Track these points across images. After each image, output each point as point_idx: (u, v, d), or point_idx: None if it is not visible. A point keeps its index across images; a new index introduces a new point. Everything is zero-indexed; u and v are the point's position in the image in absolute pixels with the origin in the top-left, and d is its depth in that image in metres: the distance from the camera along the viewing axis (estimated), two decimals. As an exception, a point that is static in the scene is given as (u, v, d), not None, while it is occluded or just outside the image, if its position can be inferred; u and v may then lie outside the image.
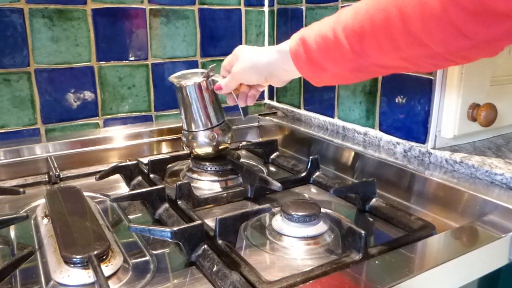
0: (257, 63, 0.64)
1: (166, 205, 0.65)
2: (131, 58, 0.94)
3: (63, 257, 0.48)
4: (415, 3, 0.43)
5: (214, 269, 0.48)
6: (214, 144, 0.77)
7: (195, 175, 0.77)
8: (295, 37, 0.57)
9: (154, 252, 0.54)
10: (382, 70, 0.54)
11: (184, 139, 0.79)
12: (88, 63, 0.90)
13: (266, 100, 1.15)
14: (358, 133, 0.87)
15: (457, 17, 0.41)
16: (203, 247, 0.52)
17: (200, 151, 0.77)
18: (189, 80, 0.76)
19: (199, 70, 0.80)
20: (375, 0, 0.48)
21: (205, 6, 1.00)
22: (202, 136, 0.76)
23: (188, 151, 0.79)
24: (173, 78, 0.78)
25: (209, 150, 0.77)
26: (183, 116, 0.78)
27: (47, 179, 0.77)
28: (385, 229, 0.61)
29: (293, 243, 0.56)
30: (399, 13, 0.45)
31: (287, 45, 0.58)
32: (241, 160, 0.81)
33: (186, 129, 0.78)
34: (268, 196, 0.72)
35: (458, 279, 0.49)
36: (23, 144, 0.82)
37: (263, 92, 1.14)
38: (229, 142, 0.79)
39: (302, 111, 1.03)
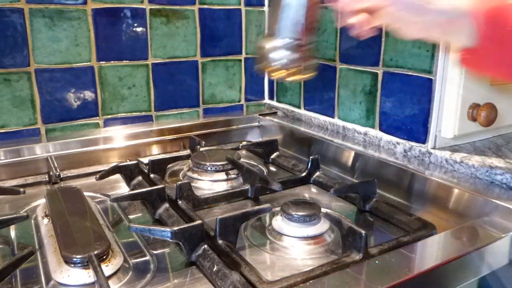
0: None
1: (166, 205, 0.65)
2: (131, 58, 0.94)
3: (63, 257, 0.48)
4: None
5: (214, 269, 0.48)
6: (296, 64, 0.60)
7: (195, 175, 0.77)
8: None
9: (154, 252, 0.54)
10: None
11: (261, 45, 0.62)
12: (88, 63, 0.90)
13: (266, 100, 1.15)
14: (358, 133, 0.87)
15: None
16: (203, 247, 0.52)
17: (276, 63, 0.60)
18: None
19: None
20: None
21: (205, 6, 1.00)
22: (286, 49, 0.59)
23: (258, 66, 0.63)
24: None
25: (286, 66, 0.60)
26: (272, 19, 0.62)
27: (47, 179, 0.77)
28: (385, 229, 0.61)
29: (293, 243, 0.56)
30: None
31: None
32: (241, 160, 0.81)
33: (269, 34, 0.61)
34: (268, 196, 0.72)
35: (458, 279, 0.49)
36: (23, 144, 0.82)
37: (263, 92, 1.14)
38: (311, 72, 0.62)
39: (302, 111, 1.03)
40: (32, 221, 0.62)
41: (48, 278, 0.48)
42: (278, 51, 0.60)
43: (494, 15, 0.46)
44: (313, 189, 0.75)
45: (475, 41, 0.47)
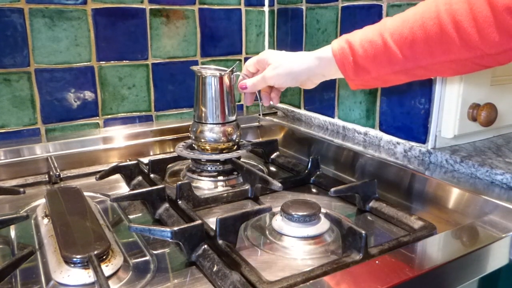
0: (295, 70, 0.65)
1: (166, 205, 0.65)
2: (131, 58, 0.94)
3: (63, 257, 0.48)
4: (466, 11, 0.47)
5: (214, 269, 0.48)
6: (223, 140, 0.76)
7: (195, 175, 0.77)
8: (339, 42, 0.59)
9: (154, 252, 0.54)
10: (425, 73, 0.57)
11: (193, 130, 0.78)
12: (88, 63, 0.90)
13: (266, 100, 1.15)
14: (358, 133, 0.87)
15: (508, 22, 0.45)
16: (203, 247, 0.52)
17: (207, 145, 0.76)
18: (211, 71, 0.76)
19: (223, 68, 0.78)
20: (424, 9, 0.51)
21: (205, 6, 1.00)
22: (213, 131, 0.76)
23: (194, 144, 0.78)
24: (195, 67, 0.78)
25: (216, 145, 0.76)
26: (197, 107, 0.77)
27: (47, 179, 0.77)
28: (385, 229, 0.61)
29: (293, 243, 0.56)
30: (452, 21, 0.48)
31: (328, 51, 0.60)
32: (241, 160, 0.81)
33: (197, 120, 0.77)
34: (268, 196, 0.72)
35: (458, 279, 0.49)
36: (23, 144, 0.82)
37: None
38: (236, 140, 0.79)
39: (302, 111, 1.03)
40: (32, 221, 0.62)
41: (48, 278, 0.48)
42: (208, 131, 0.76)
43: (342, 53, 0.58)
44: (313, 189, 0.75)
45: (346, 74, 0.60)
